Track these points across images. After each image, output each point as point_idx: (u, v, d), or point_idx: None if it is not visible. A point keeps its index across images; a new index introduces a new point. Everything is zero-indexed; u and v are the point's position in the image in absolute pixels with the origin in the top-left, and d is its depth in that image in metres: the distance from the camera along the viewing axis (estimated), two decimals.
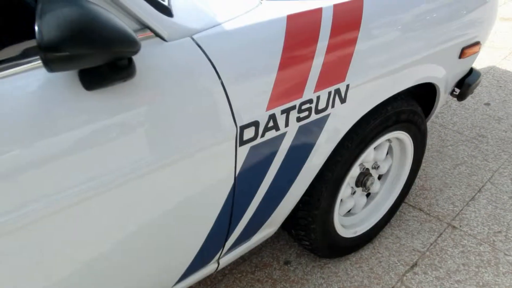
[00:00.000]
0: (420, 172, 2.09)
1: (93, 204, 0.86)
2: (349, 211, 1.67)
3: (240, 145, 1.02)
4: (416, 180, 2.05)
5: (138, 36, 0.79)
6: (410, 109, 1.49)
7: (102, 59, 0.75)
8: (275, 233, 1.45)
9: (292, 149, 1.16)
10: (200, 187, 1.01)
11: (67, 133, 0.80)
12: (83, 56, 0.72)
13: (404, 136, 1.59)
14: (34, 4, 1.19)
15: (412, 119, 1.53)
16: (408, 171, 1.72)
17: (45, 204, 0.80)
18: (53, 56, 0.69)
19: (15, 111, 0.76)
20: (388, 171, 1.71)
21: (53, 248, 0.86)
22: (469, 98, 2.63)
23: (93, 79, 0.79)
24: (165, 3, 0.95)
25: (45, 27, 0.68)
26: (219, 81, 0.96)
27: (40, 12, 0.69)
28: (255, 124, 1.03)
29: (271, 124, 1.06)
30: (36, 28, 0.68)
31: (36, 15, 0.69)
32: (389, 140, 1.60)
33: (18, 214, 0.78)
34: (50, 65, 0.70)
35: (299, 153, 1.19)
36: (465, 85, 1.74)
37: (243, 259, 1.72)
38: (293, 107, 1.09)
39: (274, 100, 1.05)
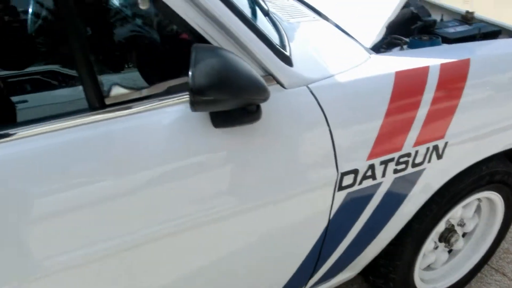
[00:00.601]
0: (507, 235, 1.98)
1: (197, 234, 0.94)
2: (428, 265, 1.63)
3: (338, 190, 1.08)
4: (502, 243, 1.95)
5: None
6: (505, 170, 1.45)
7: (237, 103, 0.85)
8: None
9: (385, 199, 1.19)
10: (296, 226, 1.08)
11: (188, 161, 0.90)
12: (223, 101, 0.82)
13: (495, 196, 1.54)
14: (161, 46, 1.34)
15: (506, 180, 1.48)
16: (496, 233, 1.65)
17: (148, 233, 0.89)
18: (200, 99, 0.80)
19: (152, 140, 0.88)
20: (473, 229, 1.66)
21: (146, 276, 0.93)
22: None
23: (223, 118, 0.89)
24: (287, 53, 1.05)
25: (197, 74, 0.80)
26: (327, 129, 1.03)
27: (194, 61, 0.81)
28: (355, 172, 1.08)
29: (369, 173, 1.10)
30: (189, 73, 0.80)
31: (190, 63, 0.81)
32: (479, 199, 1.56)
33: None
34: (196, 106, 0.82)
35: (391, 203, 1.21)
36: None
37: None
38: (392, 159, 1.13)
39: (375, 151, 1.09)
